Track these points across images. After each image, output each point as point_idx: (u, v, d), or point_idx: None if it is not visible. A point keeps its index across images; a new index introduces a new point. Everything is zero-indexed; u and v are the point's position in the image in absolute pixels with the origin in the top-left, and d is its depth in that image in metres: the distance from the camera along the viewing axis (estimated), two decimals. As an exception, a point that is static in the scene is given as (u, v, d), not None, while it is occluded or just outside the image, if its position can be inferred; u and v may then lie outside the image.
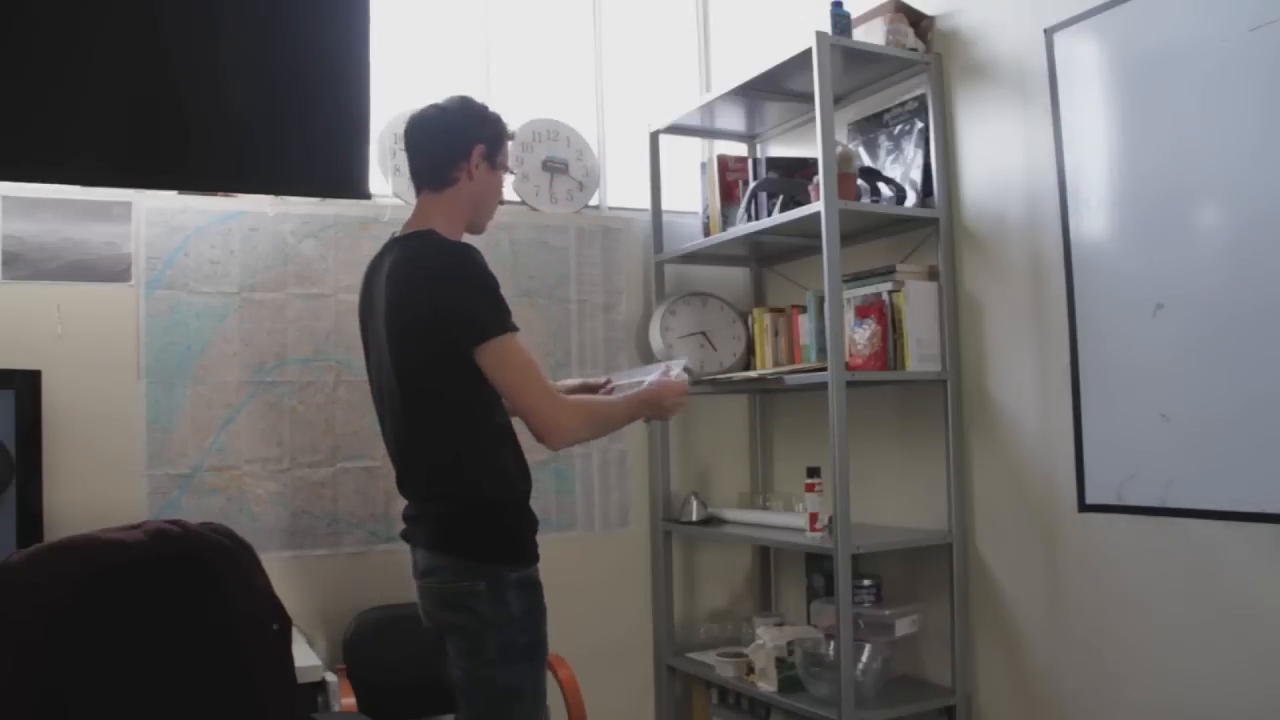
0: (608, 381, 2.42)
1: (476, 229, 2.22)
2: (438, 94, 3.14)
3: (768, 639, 2.80)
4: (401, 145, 3.02)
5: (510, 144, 2.23)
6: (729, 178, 3.21)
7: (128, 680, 1.53)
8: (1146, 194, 2.25)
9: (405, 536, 2.16)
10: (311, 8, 1.11)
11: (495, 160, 2.15)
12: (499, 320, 1.96)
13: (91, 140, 1.01)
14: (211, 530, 1.67)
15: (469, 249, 2.03)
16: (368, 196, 2.80)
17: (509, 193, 3.22)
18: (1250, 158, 2.04)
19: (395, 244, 2.12)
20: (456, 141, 2.10)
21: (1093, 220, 2.37)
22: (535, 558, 2.07)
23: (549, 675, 2.17)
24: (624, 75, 3.54)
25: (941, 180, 2.73)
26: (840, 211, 2.58)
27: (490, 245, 3.14)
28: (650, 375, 2.30)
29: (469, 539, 2.01)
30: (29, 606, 1.47)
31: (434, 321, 1.96)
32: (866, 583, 2.81)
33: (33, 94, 0.96)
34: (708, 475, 3.46)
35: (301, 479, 2.91)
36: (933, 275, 2.73)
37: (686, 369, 2.34)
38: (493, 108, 2.20)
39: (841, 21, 2.70)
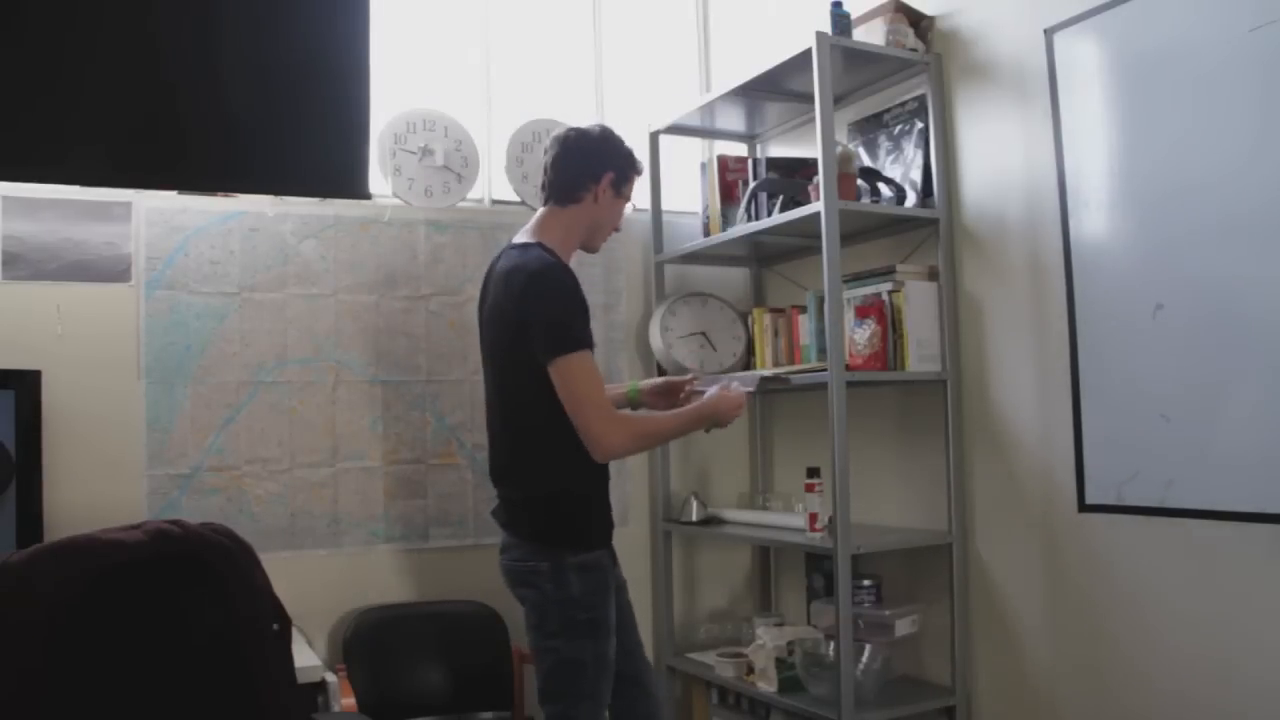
0: (692, 379, 2.64)
1: (590, 248, 2.42)
2: (439, 95, 3.18)
3: (768, 639, 2.80)
4: (403, 146, 3.08)
5: (638, 176, 2.39)
6: (729, 178, 3.21)
7: (128, 681, 1.53)
8: (1146, 194, 2.25)
9: (493, 513, 2.37)
10: (311, 8, 1.11)
11: (621, 189, 2.34)
12: (570, 339, 2.13)
13: (91, 140, 1.01)
14: (211, 530, 1.67)
15: (562, 269, 2.21)
16: (368, 196, 2.80)
17: (509, 193, 3.24)
18: (1250, 157, 2.04)
19: (509, 251, 2.31)
20: (591, 165, 2.29)
21: (1093, 220, 2.37)
22: (599, 544, 2.26)
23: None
24: (624, 75, 3.54)
25: (941, 180, 2.72)
26: (840, 211, 2.58)
27: (490, 245, 3.16)
28: (712, 389, 2.44)
29: (534, 524, 2.23)
30: (29, 607, 1.47)
31: (519, 330, 2.18)
32: (866, 583, 2.81)
33: (32, 94, 0.96)
34: (708, 475, 3.46)
35: (301, 479, 2.91)
36: (933, 275, 2.73)
37: (750, 391, 2.55)
38: (629, 143, 2.39)
39: (841, 22, 2.69)
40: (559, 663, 2.21)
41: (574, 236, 2.34)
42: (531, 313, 2.16)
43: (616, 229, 2.42)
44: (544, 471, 2.25)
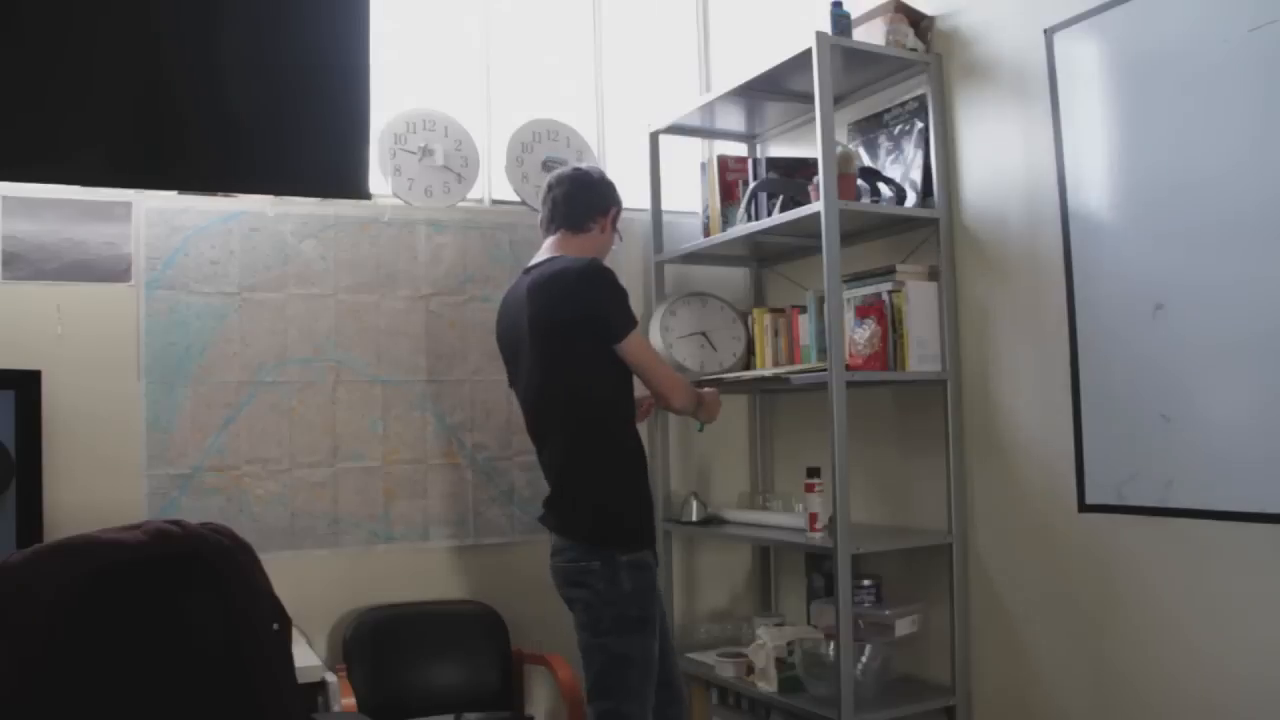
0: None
1: None
2: (439, 95, 3.18)
3: (768, 639, 2.80)
4: (403, 146, 3.09)
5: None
6: (729, 178, 3.21)
7: (127, 681, 1.53)
8: (1146, 194, 2.25)
9: (541, 520, 2.50)
10: (311, 8, 1.11)
11: (616, 224, 2.61)
12: (631, 319, 2.38)
13: (91, 140, 1.01)
14: (211, 530, 1.67)
15: (603, 265, 2.42)
16: (368, 196, 2.80)
17: (509, 193, 3.24)
18: (1250, 157, 2.04)
19: (528, 273, 2.49)
20: (600, 199, 2.55)
21: (1093, 220, 2.37)
22: (647, 543, 2.39)
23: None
24: (624, 75, 3.54)
25: (941, 180, 2.72)
26: (840, 211, 2.58)
27: (490, 245, 3.17)
28: None
29: (587, 525, 2.36)
30: (28, 607, 1.47)
31: (578, 321, 2.35)
32: (866, 583, 2.81)
33: (32, 94, 0.96)
34: (708, 475, 3.46)
35: (301, 479, 2.91)
36: (933, 275, 2.73)
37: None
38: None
39: (841, 22, 2.69)
40: (610, 659, 2.31)
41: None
42: (592, 303, 2.35)
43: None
44: (602, 471, 2.38)
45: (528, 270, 2.50)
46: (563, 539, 2.39)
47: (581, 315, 2.35)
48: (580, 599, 2.35)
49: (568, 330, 2.36)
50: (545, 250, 2.52)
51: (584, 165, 2.66)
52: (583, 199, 2.52)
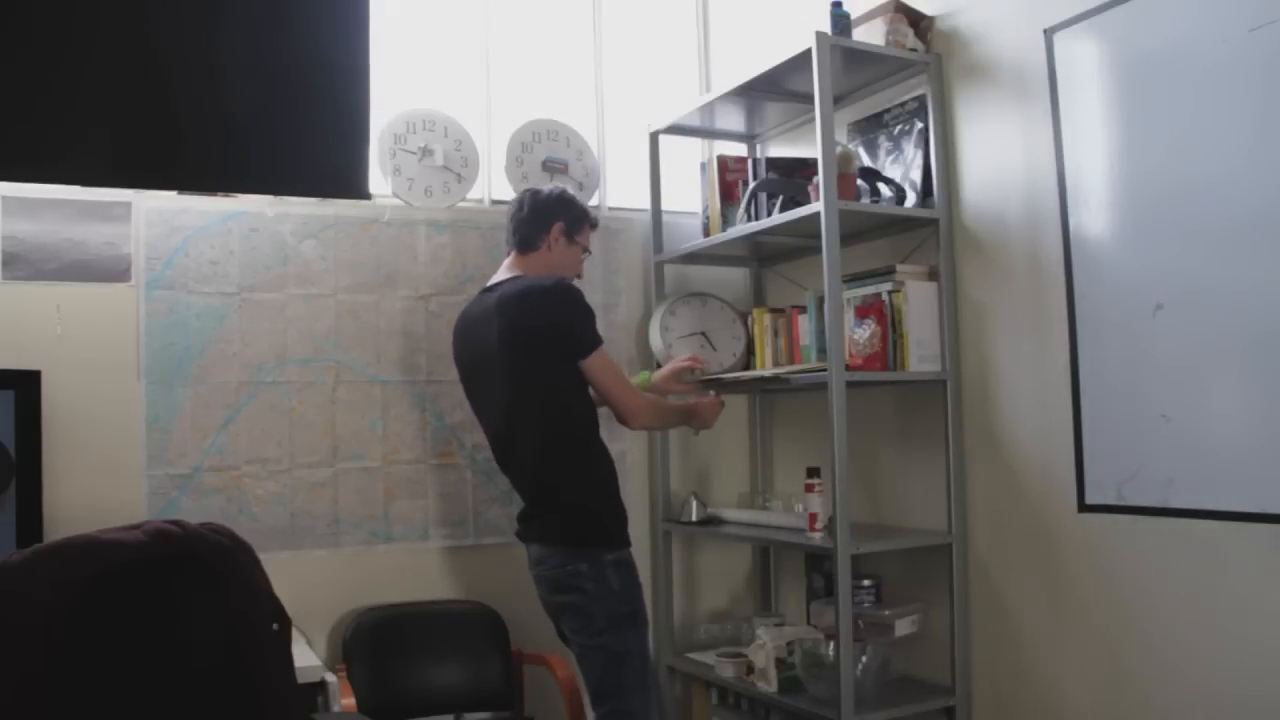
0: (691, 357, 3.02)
1: None
2: (439, 95, 3.18)
3: (768, 639, 2.80)
4: (403, 146, 3.11)
5: (592, 229, 2.71)
6: (729, 178, 3.20)
7: (127, 681, 1.53)
8: (1146, 194, 2.25)
9: (520, 535, 2.56)
10: (311, 8, 1.11)
11: (574, 237, 2.64)
12: (596, 336, 2.46)
13: (90, 140, 1.01)
14: (211, 530, 1.67)
15: (569, 283, 2.50)
16: (368, 196, 2.80)
17: (509, 193, 3.24)
18: (1250, 157, 2.04)
19: (492, 290, 2.55)
20: (545, 217, 2.60)
21: (1093, 220, 2.37)
22: (627, 542, 2.45)
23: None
24: (624, 75, 3.54)
25: (941, 180, 2.72)
26: (840, 212, 2.58)
27: (490, 245, 3.16)
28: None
29: (571, 530, 2.41)
30: (27, 607, 1.47)
31: (548, 335, 2.41)
32: (866, 583, 2.81)
33: (32, 94, 0.96)
34: (708, 475, 3.46)
35: (301, 479, 2.91)
36: (933, 275, 2.73)
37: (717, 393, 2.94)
38: (581, 198, 2.75)
39: (841, 22, 2.69)
40: (609, 658, 2.37)
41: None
42: (560, 318, 2.42)
43: (579, 275, 2.68)
44: (579, 475, 2.44)
45: (488, 289, 2.57)
46: (544, 547, 2.44)
47: (551, 330, 2.41)
48: (569, 603, 2.39)
49: (540, 343, 2.42)
50: (503, 271, 2.61)
51: (543, 187, 2.72)
52: (529, 218, 2.61)
